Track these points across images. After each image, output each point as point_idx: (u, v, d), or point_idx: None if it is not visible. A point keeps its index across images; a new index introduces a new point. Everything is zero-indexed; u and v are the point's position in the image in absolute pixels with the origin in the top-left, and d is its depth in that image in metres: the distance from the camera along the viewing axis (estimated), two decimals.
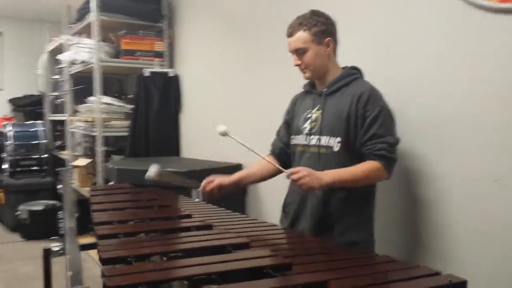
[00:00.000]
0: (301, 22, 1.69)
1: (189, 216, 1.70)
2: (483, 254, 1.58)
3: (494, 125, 1.54)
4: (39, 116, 5.74)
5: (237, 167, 2.80)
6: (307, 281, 1.08)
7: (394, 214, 1.91)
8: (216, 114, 3.26)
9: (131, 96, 3.99)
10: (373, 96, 1.64)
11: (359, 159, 1.63)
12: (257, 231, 1.59)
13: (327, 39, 1.70)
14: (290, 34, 1.72)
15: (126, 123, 3.73)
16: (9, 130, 5.09)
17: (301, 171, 1.56)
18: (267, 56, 2.65)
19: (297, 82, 1.87)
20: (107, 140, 3.78)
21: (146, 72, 3.65)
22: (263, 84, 2.73)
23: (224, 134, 1.75)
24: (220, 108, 3.21)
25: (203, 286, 1.05)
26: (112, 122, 3.72)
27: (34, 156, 5.09)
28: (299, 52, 1.71)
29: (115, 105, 3.79)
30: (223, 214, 1.85)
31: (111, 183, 2.84)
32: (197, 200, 2.24)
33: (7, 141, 5.03)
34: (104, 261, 1.19)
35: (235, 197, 2.04)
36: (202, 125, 3.45)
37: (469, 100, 1.62)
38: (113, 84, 4.58)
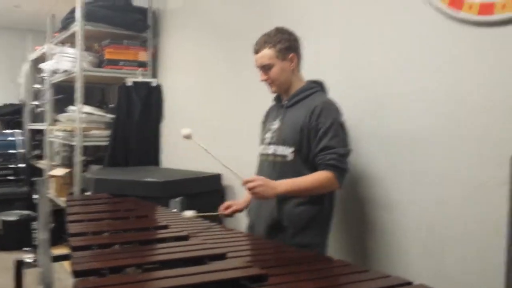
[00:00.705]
0: (266, 40, 1.80)
1: (165, 227, 1.68)
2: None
3: (472, 134, 1.57)
4: (18, 125, 5.64)
5: (217, 177, 2.79)
6: None
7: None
8: (198, 125, 3.24)
9: (113, 105, 3.96)
10: (325, 109, 1.73)
11: (313, 169, 1.71)
12: (233, 241, 1.58)
13: (291, 54, 1.80)
14: (256, 51, 1.83)
15: (106, 132, 3.69)
16: None
17: (256, 180, 1.64)
18: (250, 67, 2.64)
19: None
20: (86, 150, 3.73)
21: (129, 81, 3.63)
22: (245, 95, 2.74)
23: (187, 137, 1.84)
24: (202, 118, 3.20)
25: None
26: (92, 132, 3.67)
27: (10, 166, 4.99)
28: (265, 68, 1.81)
29: (96, 114, 3.74)
30: (200, 225, 1.83)
31: (88, 193, 2.79)
32: (174, 210, 2.22)
33: None
34: (76, 274, 1.17)
35: (212, 208, 2.03)
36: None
37: (450, 109, 1.64)
38: (96, 93, 4.54)
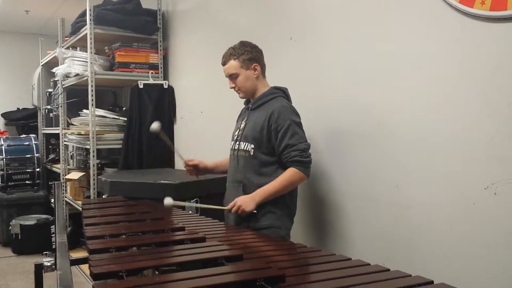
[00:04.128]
0: (232, 53, 2.06)
1: (182, 228, 1.68)
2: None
3: (482, 135, 1.55)
4: (33, 129, 5.71)
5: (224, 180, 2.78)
6: None
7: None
8: (210, 126, 3.26)
9: (125, 108, 3.98)
10: (282, 113, 1.96)
11: (277, 163, 1.98)
12: (250, 242, 1.58)
13: (254, 64, 2.05)
14: (223, 63, 2.08)
15: (120, 135, 3.72)
16: (1, 145, 5.05)
17: (236, 203, 1.92)
18: None
19: None
20: (100, 153, 3.76)
21: (140, 84, 3.65)
22: None
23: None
24: (214, 119, 3.21)
25: None
26: (106, 135, 3.70)
27: (27, 170, 5.05)
28: (232, 77, 2.07)
29: (108, 117, 3.77)
30: (216, 226, 1.84)
31: (104, 196, 2.82)
32: (190, 212, 2.23)
33: None
34: (95, 277, 1.17)
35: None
36: (195, 137, 3.45)
37: (460, 110, 1.62)
38: (108, 96, 4.58)
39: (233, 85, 2.09)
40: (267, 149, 1.99)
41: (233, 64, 2.04)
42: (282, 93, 2.08)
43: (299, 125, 1.98)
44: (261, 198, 1.92)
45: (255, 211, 1.92)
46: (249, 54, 2.04)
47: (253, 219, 1.96)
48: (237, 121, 2.24)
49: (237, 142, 2.09)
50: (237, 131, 2.13)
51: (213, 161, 2.33)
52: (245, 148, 2.04)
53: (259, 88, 2.08)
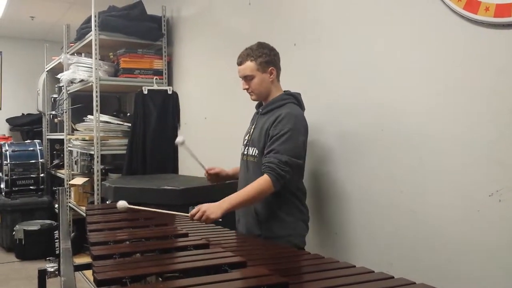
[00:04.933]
0: (249, 53, 2.00)
1: (185, 235, 1.68)
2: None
3: (485, 140, 1.55)
4: (37, 135, 5.74)
5: (234, 185, 2.79)
6: None
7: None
8: (214, 132, 3.26)
9: (130, 114, 4.00)
10: (286, 118, 1.88)
11: None
12: (254, 249, 1.57)
13: (270, 68, 2.00)
14: (239, 63, 2.02)
15: (124, 141, 3.73)
16: (6, 150, 5.08)
17: (200, 210, 1.78)
18: None
19: None
20: (104, 159, 3.77)
21: (145, 90, 3.67)
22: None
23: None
24: (218, 125, 3.21)
25: None
26: (110, 141, 3.72)
27: (31, 175, 5.07)
28: (247, 78, 2.01)
29: (113, 123, 3.79)
30: (220, 233, 1.83)
31: (108, 201, 2.82)
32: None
33: (4, 161, 5.01)
34: (98, 283, 1.17)
35: (232, 216, 2.04)
36: (199, 143, 3.45)
37: (462, 116, 1.62)
38: (112, 102, 4.60)
39: (247, 87, 2.03)
40: None
41: (250, 65, 1.98)
42: (293, 99, 2.02)
43: (299, 135, 1.89)
44: (229, 206, 1.80)
45: (220, 219, 1.80)
46: (266, 57, 1.98)
47: (263, 228, 1.92)
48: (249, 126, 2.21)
49: (246, 147, 2.06)
50: (247, 135, 2.10)
51: (232, 168, 2.26)
52: (252, 153, 2.00)
53: (272, 92, 2.03)
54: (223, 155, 3.02)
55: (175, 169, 3.70)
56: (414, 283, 1.19)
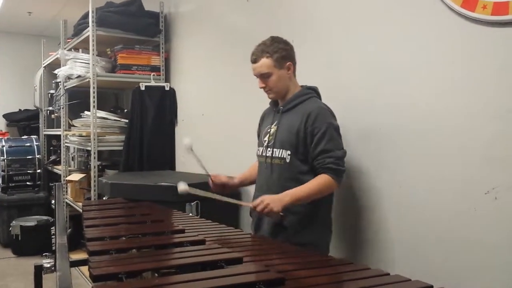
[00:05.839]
0: (263, 49, 1.86)
1: (182, 231, 1.68)
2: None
3: (483, 139, 1.55)
4: (34, 130, 5.72)
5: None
6: None
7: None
8: (211, 128, 3.26)
9: (127, 110, 3.99)
10: (320, 114, 1.81)
11: (309, 170, 1.81)
12: (250, 245, 1.57)
13: (288, 63, 1.87)
14: (254, 61, 1.88)
15: (121, 137, 3.72)
16: (3, 145, 5.06)
17: (263, 201, 1.71)
18: None
19: None
20: (101, 155, 3.76)
21: (142, 86, 3.65)
22: (258, 98, 2.73)
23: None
24: (215, 122, 3.21)
25: None
26: (107, 137, 3.71)
27: (28, 171, 5.06)
28: (263, 76, 1.88)
29: (110, 119, 3.78)
30: (216, 229, 1.83)
31: (105, 198, 2.82)
32: (190, 214, 2.22)
33: (0, 156, 5.00)
34: (94, 278, 1.17)
35: (228, 212, 2.03)
36: (197, 139, 3.44)
37: (461, 115, 1.62)
38: (109, 98, 4.58)
39: (263, 85, 1.90)
40: (303, 155, 1.83)
41: (266, 62, 1.85)
42: (314, 93, 1.93)
43: (337, 129, 1.83)
44: (290, 201, 1.73)
45: (281, 213, 1.73)
46: (283, 52, 1.86)
47: (290, 233, 1.81)
48: (261, 124, 2.07)
49: (269, 149, 1.89)
50: (267, 136, 1.94)
51: (239, 175, 2.12)
52: (280, 156, 1.85)
53: (291, 88, 1.91)
54: (221, 151, 3.02)
55: (172, 166, 3.70)
56: (409, 280, 1.20)
